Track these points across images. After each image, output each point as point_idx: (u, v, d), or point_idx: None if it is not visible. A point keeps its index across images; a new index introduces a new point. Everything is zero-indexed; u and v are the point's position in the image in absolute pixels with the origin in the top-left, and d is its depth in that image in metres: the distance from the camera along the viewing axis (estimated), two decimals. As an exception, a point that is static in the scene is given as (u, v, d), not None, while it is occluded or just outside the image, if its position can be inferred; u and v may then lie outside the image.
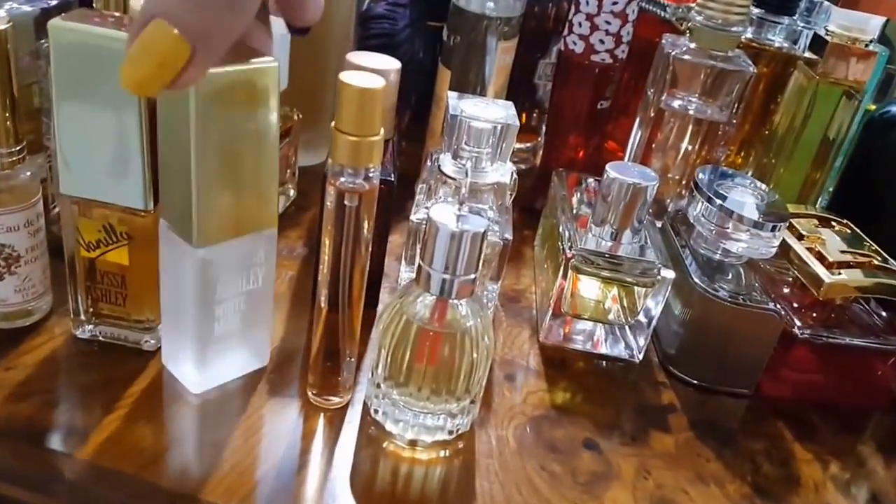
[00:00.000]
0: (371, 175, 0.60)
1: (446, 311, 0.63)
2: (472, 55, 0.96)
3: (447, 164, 0.76)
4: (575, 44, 0.99)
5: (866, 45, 0.95)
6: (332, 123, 0.58)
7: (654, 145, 1.02)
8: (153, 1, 0.43)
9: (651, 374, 0.82)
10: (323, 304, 0.64)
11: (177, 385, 0.68)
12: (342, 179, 0.59)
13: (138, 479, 0.60)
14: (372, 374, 0.68)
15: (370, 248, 0.64)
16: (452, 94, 0.80)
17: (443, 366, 0.64)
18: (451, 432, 0.68)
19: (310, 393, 0.69)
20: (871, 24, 0.95)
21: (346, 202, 0.60)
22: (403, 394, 0.66)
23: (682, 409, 0.78)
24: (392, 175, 0.76)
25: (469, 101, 0.79)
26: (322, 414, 0.68)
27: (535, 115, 1.15)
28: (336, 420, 0.68)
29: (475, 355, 0.64)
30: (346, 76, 0.56)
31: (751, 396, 0.82)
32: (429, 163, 0.86)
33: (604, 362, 0.83)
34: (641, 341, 0.82)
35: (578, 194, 0.91)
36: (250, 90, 0.57)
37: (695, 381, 0.81)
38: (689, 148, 1.00)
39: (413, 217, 0.76)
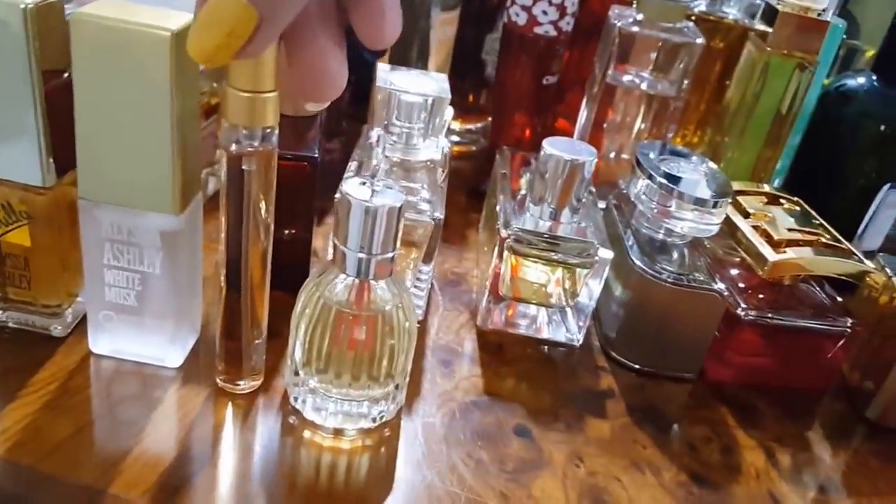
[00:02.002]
0: (268, 136, 0.56)
1: (364, 292, 0.60)
2: (411, 28, 0.93)
3: (377, 139, 0.73)
4: (518, 15, 0.96)
5: (818, 15, 0.92)
6: (224, 81, 0.54)
7: (605, 124, 0.99)
8: None
9: (591, 359, 0.79)
10: (222, 284, 0.61)
11: (85, 374, 0.65)
12: (236, 144, 0.55)
13: (36, 471, 0.56)
14: (290, 361, 0.64)
15: (271, 224, 0.60)
16: (383, 66, 0.77)
17: (363, 350, 0.61)
18: (374, 420, 0.64)
19: (217, 379, 0.65)
20: (822, -6, 0.92)
21: (243, 167, 0.56)
22: (323, 380, 0.62)
23: (620, 395, 0.75)
24: (317, 152, 0.72)
25: (400, 73, 0.76)
26: (235, 402, 0.65)
27: (483, 93, 1.12)
28: (254, 408, 0.65)
29: (396, 339, 0.61)
30: None
31: (694, 381, 0.79)
32: (362, 138, 0.82)
33: (545, 347, 0.80)
34: (581, 325, 0.79)
35: (528, 175, 0.87)
36: (139, 56, 0.54)
37: (636, 366, 0.78)
38: (642, 126, 0.98)
39: (338, 194, 0.72)
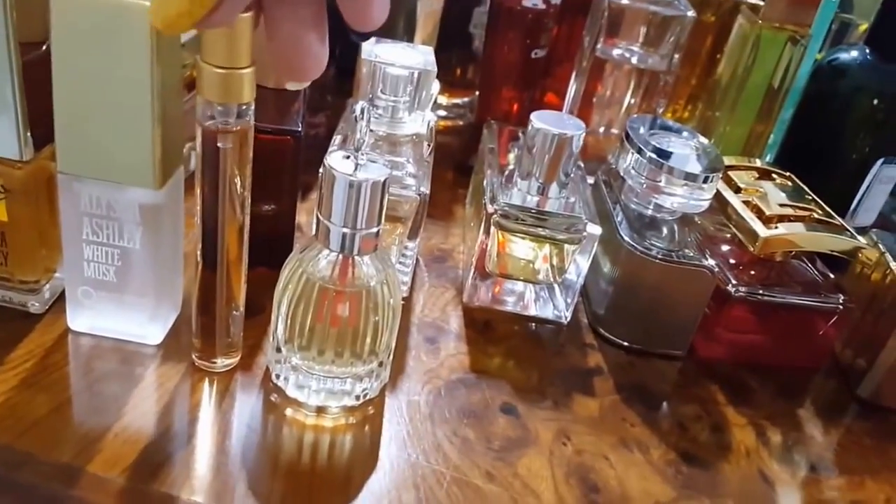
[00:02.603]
0: (243, 113, 0.55)
1: (348, 268, 0.59)
2: (398, 0, 0.91)
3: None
4: (506, -12, 0.95)
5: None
6: (198, 56, 0.53)
7: (594, 99, 0.98)
8: None
9: (580, 337, 0.78)
10: (198, 260, 0.59)
11: (63, 351, 0.63)
12: (210, 120, 0.54)
13: (13, 449, 0.55)
14: (272, 338, 0.63)
15: (247, 200, 0.59)
16: (369, 40, 0.76)
17: (346, 327, 0.60)
18: (358, 397, 0.63)
19: (193, 356, 0.64)
20: (814, -33, 0.91)
21: (218, 144, 0.54)
22: (306, 357, 0.61)
23: (609, 372, 0.74)
24: (300, 126, 0.71)
25: (386, 46, 0.74)
26: (216, 380, 0.64)
27: (470, 67, 1.10)
28: (234, 386, 0.64)
29: (380, 316, 0.60)
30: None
31: (684, 359, 0.78)
32: (346, 112, 0.81)
33: (533, 325, 0.79)
34: (570, 302, 0.77)
35: (516, 149, 0.86)
36: (119, 28, 0.52)
37: (625, 343, 0.77)
38: (632, 101, 0.96)
39: (322, 167, 0.71)
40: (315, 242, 0.59)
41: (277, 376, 0.63)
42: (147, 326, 0.64)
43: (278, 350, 0.62)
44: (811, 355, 0.80)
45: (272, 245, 0.72)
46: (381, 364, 0.63)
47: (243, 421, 0.61)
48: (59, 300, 0.66)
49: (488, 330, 0.77)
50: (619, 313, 0.77)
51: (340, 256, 0.58)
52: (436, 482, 0.59)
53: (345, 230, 0.56)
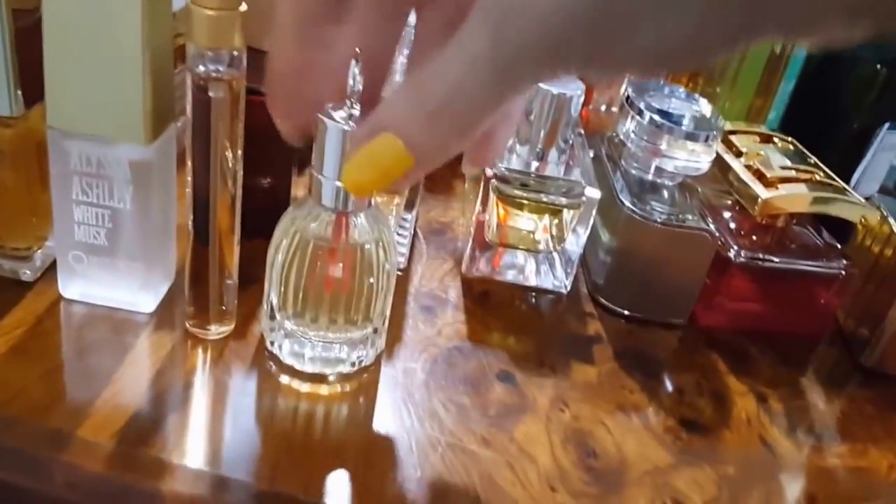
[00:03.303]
0: (235, 61, 0.54)
1: (342, 226, 0.58)
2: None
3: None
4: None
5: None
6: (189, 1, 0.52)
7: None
8: (387, 111, 0.42)
9: (579, 306, 0.77)
10: (189, 228, 0.59)
11: (55, 318, 0.63)
12: (201, 67, 0.53)
13: (0, 414, 0.54)
14: (265, 304, 0.62)
15: (240, 166, 0.58)
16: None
17: (340, 290, 0.59)
18: (353, 364, 0.63)
19: (187, 323, 0.63)
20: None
21: (210, 93, 0.53)
22: (300, 324, 0.60)
23: (608, 340, 0.73)
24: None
25: None
26: (209, 348, 0.63)
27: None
28: (228, 353, 0.63)
29: (375, 278, 0.59)
30: None
31: (684, 327, 0.77)
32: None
33: (532, 295, 0.78)
34: (569, 272, 0.77)
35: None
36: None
37: (625, 312, 0.76)
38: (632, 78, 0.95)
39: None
40: (308, 200, 0.58)
41: (272, 343, 0.63)
42: (139, 294, 0.63)
43: (272, 317, 0.62)
44: (813, 323, 0.79)
45: (268, 216, 0.72)
46: (375, 331, 0.62)
47: (237, 388, 0.60)
48: (51, 269, 0.65)
49: (487, 300, 0.76)
50: (618, 281, 0.76)
51: (334, 214, 0.57)
52: (430, 448, 0.58)
53: (338, 183, 0.55)
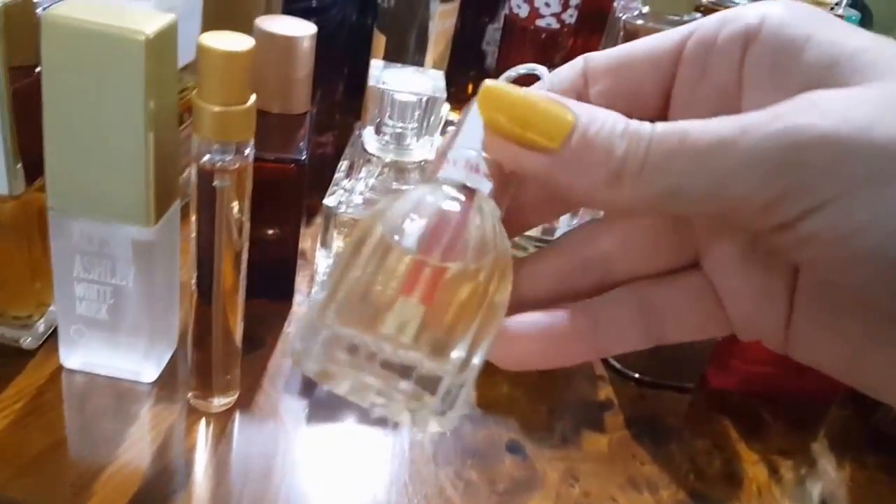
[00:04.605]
0: (244, 151, 0.53)
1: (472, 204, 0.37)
2: (408, 19, 0.90)
3: (370, 139, 0.70)
4: (519, 7, 0.93)
5: (831, 9, 0.88)
6: (194, 93, 0.51)
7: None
8: (585, 108, 0.33)
9: (590, 368, 0.76)
10: (193, 289, 0.58)
11: (57, 388, 0.62)
12: (207, 156, 0.52)
13: (6, 493, 0.54)
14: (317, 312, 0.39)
15: (246, 240, 0.57)
16: (376, 63, 0.74)
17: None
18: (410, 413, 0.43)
19: (189, 395, 0.63)
20: (834, -13, 0.89)
21: (215, 183, 0.53)
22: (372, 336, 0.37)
23: (619, 406, 0.72)
24: (304, 154, 0.70)
25: (394, 70, 0.73)
26: (213, 420, 0.62)
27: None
28: (232, 427, 0.62)
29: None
30: (206, 38, 0.49)
31: (696, 390, 0.76)
32: (353, 137, 0.79)
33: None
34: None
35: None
36: (112, 61, 0.51)
37: (636, 375, 0.75)
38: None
39: (326, 200, 0.69)
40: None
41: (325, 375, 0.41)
42: (141, 364, 0.63)
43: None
44: (826, 385, 0.78)
45: (274, 273, 0.71)
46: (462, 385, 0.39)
47: (240, 463, 0.59)
48: (54, 334, 0.64)
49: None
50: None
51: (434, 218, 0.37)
52: (437, 528, 0.57)
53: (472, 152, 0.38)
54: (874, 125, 0.28)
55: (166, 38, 0.52)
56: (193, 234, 0.56)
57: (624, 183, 0.31)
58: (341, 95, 0.98)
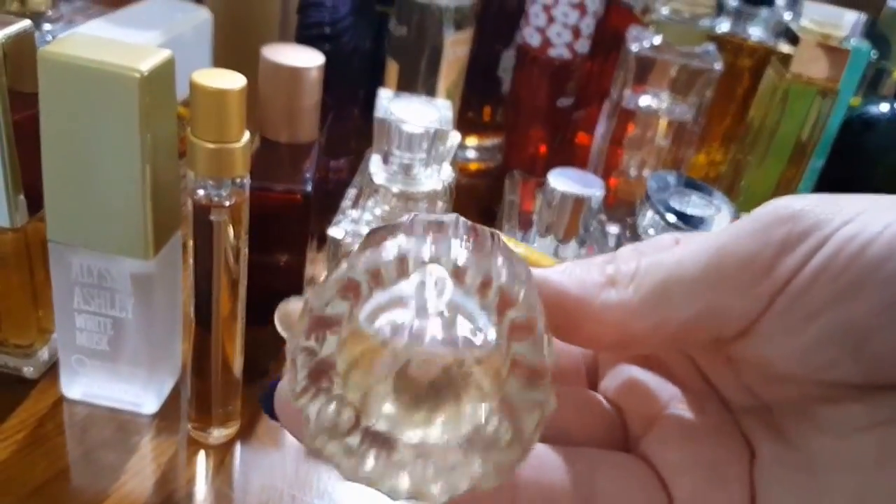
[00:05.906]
0: (240, 185, 0.53)
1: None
2: (421, 47, 0.90)
3: (378, 170, 0.70)
4: (532, 37, 0.93)
5: (841, 42, 0.88)
6: (188, 129, 0.51)
7: (623, 142, 0.96)
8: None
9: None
10: (191, 313, 0.58)
11: (58, 418, 0.63)
12: (201, 192, 0.53)
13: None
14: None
15: (243, 258, 0.57)
16: (384, 94, 0.74)
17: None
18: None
19: (189, 426, 0.63)
20: (845, 20, 0.88)
21: (211, 217, 0.53)
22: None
23: None
24: (309, 185, 0.70)
25: (402, 101, 0.73)
26: (213, 451, 0.62)
27: (499, 110, 1.09)
28: (230, 458, 0.62)
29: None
30: (199, 76, 0.50)
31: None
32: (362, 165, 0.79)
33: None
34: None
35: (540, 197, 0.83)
36: (109, 97, 0.52)
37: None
38: (661, 145, 0.94)
39: (331, 231, 0.69)
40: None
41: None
42: (142, 395, 0.63)
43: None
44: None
45: (279, 301, 0.71)
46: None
47: (241, 495, 0.59)
48: (56, 363, 0.64)
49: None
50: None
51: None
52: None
53: None
54: None
55: (163, 73, 0.53)
56: (191, 272, 0.56)
57: None
58: (356, 121, 0.98)
